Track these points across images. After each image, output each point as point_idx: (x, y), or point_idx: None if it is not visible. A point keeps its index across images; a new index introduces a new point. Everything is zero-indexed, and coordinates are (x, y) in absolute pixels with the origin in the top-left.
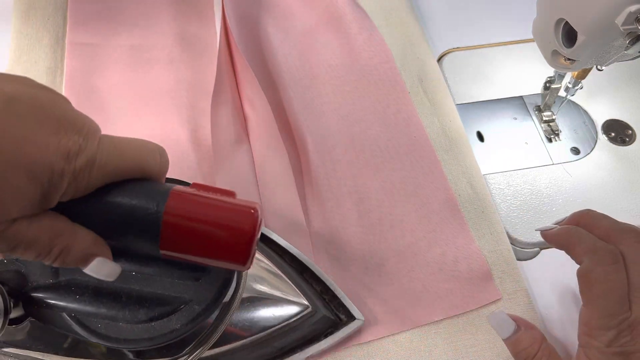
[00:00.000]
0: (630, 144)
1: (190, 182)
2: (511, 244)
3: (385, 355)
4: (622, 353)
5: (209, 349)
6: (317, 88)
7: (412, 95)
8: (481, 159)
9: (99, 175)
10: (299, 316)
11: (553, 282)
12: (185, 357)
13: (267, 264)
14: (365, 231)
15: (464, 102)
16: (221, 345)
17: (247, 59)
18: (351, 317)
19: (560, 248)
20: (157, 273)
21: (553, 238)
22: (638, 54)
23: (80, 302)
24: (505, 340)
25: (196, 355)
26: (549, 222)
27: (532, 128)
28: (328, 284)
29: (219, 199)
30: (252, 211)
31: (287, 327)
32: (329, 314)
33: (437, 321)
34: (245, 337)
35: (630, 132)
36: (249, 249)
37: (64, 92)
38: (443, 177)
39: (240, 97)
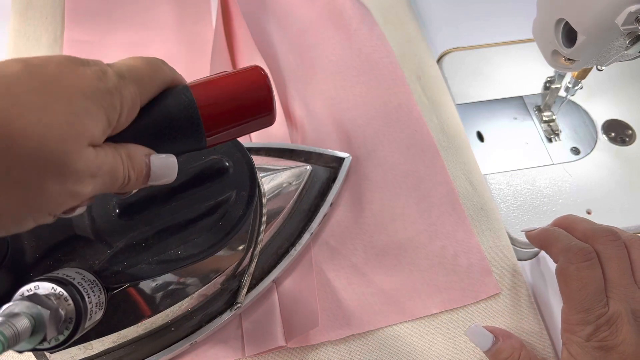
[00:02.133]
0: (631, 144)
1: None
2: (511, 244)
3: (386, 350)
4: (601, 347)
5: (268, 227)
6: (317, 83)
7: None
8: (481, 159)
9: (135, 89)
10: (306, 178)
11: (553, 282)
12: (250, 249)
13: (257, 158)
14: (367, 223)
15: (464, 102)
16: (268, 229)
17: (247, 56)
18: (341, 159)
19: (541, 248)
20: (194, 192)
21: (534, 238)
22: (638, 54)
23: (149, 247)
24: (486, 352)
25: (260, 240)
26: (548, 222)
27: (532, 128)
28: (307, 149)
29: (226, 73)
30: (258, 68)
31: (304, 190)
32: (325, 167)
33: (436, 316)
34: (281, 213)
35: (630, 132)
36: (270, 95)
37: None
38: (444, 170)
39: None
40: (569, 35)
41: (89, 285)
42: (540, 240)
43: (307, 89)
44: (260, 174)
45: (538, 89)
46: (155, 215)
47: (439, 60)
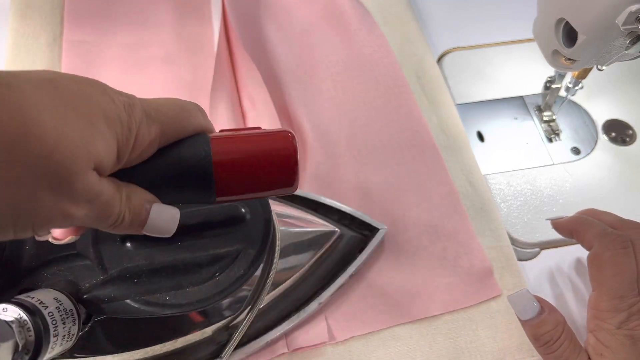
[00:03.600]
0: (631, 144)
1: None
2: (511, 244)
3: (386, 350)
4: (631, 336)
5: (267, 294)
6: (317, 84)
7: None
8: (481, 159)
9: (156, 131)
10: (331, 241)
11: (553, 283)
12: (249, 307)
13: (284, 207)
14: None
15: (464, 102)
16: (274, 288)
17: (246, 58)
18: (375, 229)
19: (570, 236)
20: (202, 236)
21: (563, 226)
22: (638, 54)
23: (140, 284)
24: (526, 322)
25: (260, 301)
26: (548, 222)
27: (532, 128)
28: (343, 209)
29: (254, 132)
30: (288, 134)
31: (325, 254)
32: (355, 233)
33: (437, 317)
34: (293, 275)
35: (630, 132)
36: (295, 168)
37: None
38: (445, 171)
39: (239, 94)
40: (569, 35)
41: (61, 315)
42: (572, 226)
43: (307, 90)
44: (281, 227)
45: (538, 89)
46: (157, 250)
47: (439, 60)
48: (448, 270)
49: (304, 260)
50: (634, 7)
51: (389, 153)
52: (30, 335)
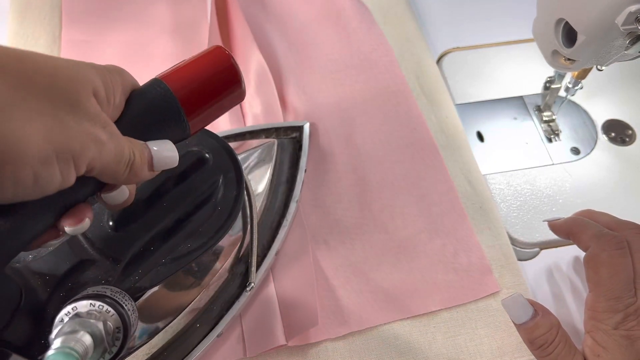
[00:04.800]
0: (631, 144)
1: None
2: (511, 244)
3: (385, 348)
4: (628, 337)
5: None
6: (316, 83)
7: None
8: (481, 159)
9: (120, 80)
10: (275, 150)
11: (553, 283)
12: (248, 227)
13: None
14: (366, 222)
15: (464, 102)
16: (256, 199)
17: (246, 56)
18: (300, 127)
19: (567, 237)
20: (180, 187)
21: (560, 228)
22: (638, 54)
23: (158, 250)
24: (520, 326)
25: (257, 216)
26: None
27: (532, 128)
28: (264, 127)
29: (191, 59)
30: (220, 48)
31: (277, 163)
32: (287, 138)
33: (436, 315)
34: (264, 185)
35: (630, 132)
36: (237, 72)
37: None
38: (444, 169)
39: None
40: (569, 35)
41: (119, 295)
42: (569, 227)
43: (306, 88)
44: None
45: (538, 89)
46: (152, 219)
47: (438, 60)
48: (447, 267)
49: (265, 174)
50: (633, 7)
51: (388, 151)
52: (112, 315)
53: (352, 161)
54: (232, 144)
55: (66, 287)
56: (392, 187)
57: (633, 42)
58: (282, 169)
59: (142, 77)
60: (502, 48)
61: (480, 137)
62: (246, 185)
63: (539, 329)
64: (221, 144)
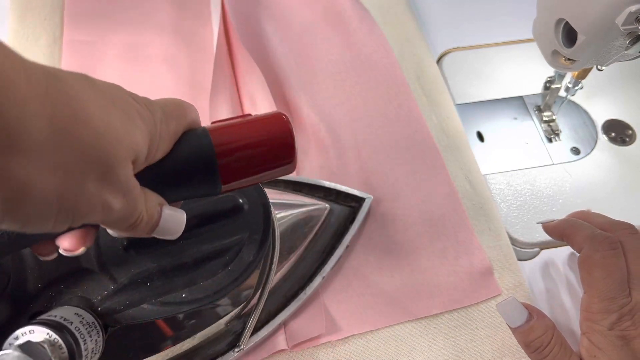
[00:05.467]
0: (631, 144)
1: None
2: (511, 244)
3: (386, 349)
4: (623, 337)
5: (279, 267)
6: (317, 84)
7: None
8: (481, 159)
9: (174, 128)
10: (323, 217)
11: (553, 283)
12: (259, 291)
13: (272, 192)
14: (367, 225)
15: (464, 102)
16: (278, 270)
17: (246, 57)
18: (361, 199)
19: (560, 238)
20: (204, 231)
21: (554, 229)
22: (638, 54)
23: (153, 287)
24: (516, 330)
25: (269, 283)
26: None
27: (532, 128)
28: (327, 185)
29: (248, 119)
30: (282, 116)
31: (320, 230)
32: (343, 206)
33: (437, 316)
34: (294, 254)
35: (630, 132)
36: (292, 144)
37: None
38: (445, 171)
39: (239, 94)
40: (569, 35)
41: (86, 329)
42: (562, 229)
43: (307, 89)
44: (275, 211)
45: (538, 89)
46: (163, 251)
47: (438, 60)
48: (448, 270)
49: (302, 239)
50: (633, 8)
51: (389, 153)
52: (63, 353)
53: (352, 163)
54: (282, 194)
55: (57, 289)
56: (393, 190)
57: (633, 42)
58: (323, 236)
59: (143, 77)
60: (502, 48)
61: (480, 137)
62: (273, 246)
63: (534, 332)
64: (261, 199)
